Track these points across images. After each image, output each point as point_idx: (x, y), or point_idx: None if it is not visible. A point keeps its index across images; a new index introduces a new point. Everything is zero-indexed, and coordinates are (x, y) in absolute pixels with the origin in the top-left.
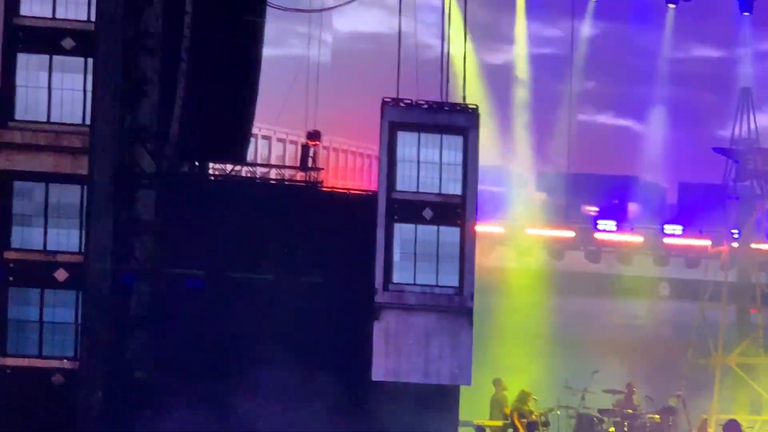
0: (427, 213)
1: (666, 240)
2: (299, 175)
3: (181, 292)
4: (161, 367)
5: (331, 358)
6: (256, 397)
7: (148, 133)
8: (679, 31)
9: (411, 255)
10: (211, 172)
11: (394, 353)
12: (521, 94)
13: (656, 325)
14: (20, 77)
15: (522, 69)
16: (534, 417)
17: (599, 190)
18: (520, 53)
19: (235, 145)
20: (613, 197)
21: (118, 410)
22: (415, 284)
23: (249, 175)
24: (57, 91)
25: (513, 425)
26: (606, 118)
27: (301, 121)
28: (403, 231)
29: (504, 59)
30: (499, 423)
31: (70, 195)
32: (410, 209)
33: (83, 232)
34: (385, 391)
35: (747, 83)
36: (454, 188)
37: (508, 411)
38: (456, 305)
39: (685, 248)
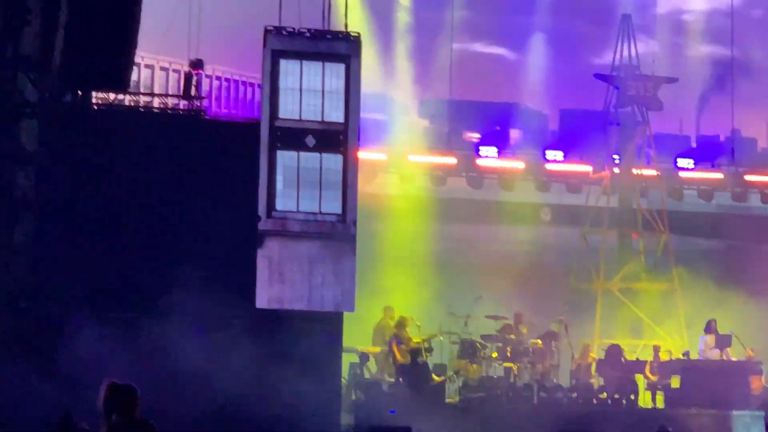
0: (310, 140)
1: (548, 166)
2: (182, 104)
3: (65, 222)
4: (47, 296)
5: (223, 285)
6: (158, 321)
7: (30, 62)
8: None
9: (294, 182)
10: (94, 101)
11: (278, 281)
12: (403, 19)
13: (539, 250)
14: None
15: None
16: (414, 343)
17: (481, 117)
18: None
19: (118, 73)
20: (495, 124)
21: (2, 340)
22: (298, 211)
23: (132, 104)
24: None
25: (391, 351)
26: (483, 47)
27: (184, 49)
28: (285, 158)
29: None
30: (378, 349)
31: None
32: (293, 137)
33: None
34: (277, 318)
35: (627, 10)
36: (336, 116)
37: (387, 338)
38: (339, 232)
39: (566, 174)
